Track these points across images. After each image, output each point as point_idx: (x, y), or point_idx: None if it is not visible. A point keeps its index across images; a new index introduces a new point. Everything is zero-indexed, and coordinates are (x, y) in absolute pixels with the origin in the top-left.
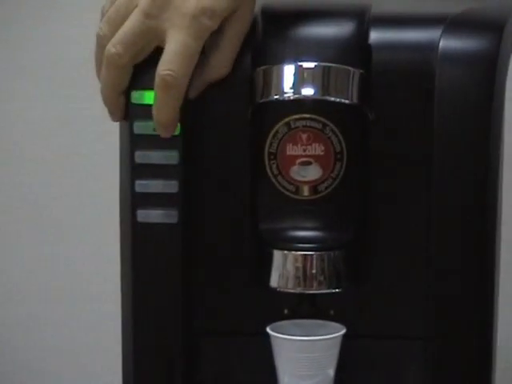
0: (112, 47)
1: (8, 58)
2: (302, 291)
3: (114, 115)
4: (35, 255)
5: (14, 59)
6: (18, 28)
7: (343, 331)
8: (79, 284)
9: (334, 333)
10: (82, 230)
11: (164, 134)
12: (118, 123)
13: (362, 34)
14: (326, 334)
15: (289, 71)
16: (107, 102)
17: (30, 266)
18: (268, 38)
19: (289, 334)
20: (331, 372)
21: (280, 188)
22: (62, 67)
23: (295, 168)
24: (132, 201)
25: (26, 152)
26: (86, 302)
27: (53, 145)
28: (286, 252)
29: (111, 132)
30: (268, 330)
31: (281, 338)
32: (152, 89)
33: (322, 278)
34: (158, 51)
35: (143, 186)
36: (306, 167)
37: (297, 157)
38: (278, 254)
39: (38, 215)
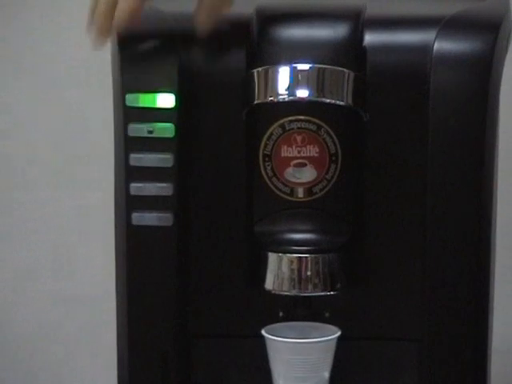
0: None
1: (5, 56)
2: (297, 294)
3: (101, 34)
4: (32, 256)
5: (11, 59)
6: (16, 27)
7: (338, 333)
8: (76, 285)
9: (329, 335)
10: (80, 232)
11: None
12: (114, 128)
13: (356, 35)
14: (321, 337)
15: (283, 73)
16: (101, 16)
17: (26, 267)
18: (263, 40)
19: (284, 337)
20: (326, 374)
21: (275, 190)
22: (60, 68)
23: (290, 170)
24: (127, 204)
25: (23, 154)
26: (82, 303)
27: (51, 147)
28: (280, 254)
29: (108, 133)
30: (263, 332)
31: (276, 340)
32: (146, 91)
33: (316, 281)
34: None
35: (138, 188)
36: (300, 169)
37: (291, 158)
38: (272, 257)
39: (35, 216)
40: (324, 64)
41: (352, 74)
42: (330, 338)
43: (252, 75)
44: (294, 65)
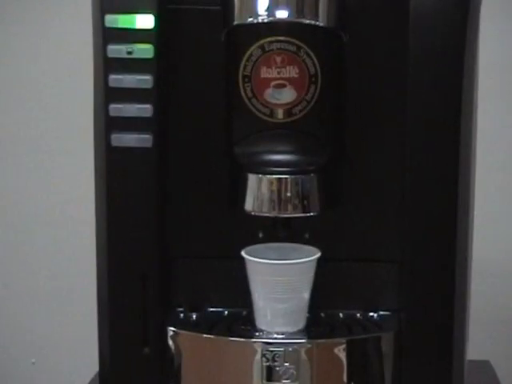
0: None
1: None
2: (277, 215)
3: None
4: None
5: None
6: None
7: (318, 255)
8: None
9: (308, 256)
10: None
11: None
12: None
13: None
14: (300, 258)
15: None
16: None
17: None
18: None
19: (264, 258)
20: (306, 295)
21: (254, 111)
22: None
23: (269, 91)
24: (106, 125)
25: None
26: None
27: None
28: (260, 176)
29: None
30: (243, 253)
31: (256, 261)
32: (125, 12)
33: (296, 202)
34: None
35: (117, 110)
36: (280, 90)
37: (271, 79)
38: (252, 178)
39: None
40: None
41: None
42: (309, 259)
43: None
44: None
